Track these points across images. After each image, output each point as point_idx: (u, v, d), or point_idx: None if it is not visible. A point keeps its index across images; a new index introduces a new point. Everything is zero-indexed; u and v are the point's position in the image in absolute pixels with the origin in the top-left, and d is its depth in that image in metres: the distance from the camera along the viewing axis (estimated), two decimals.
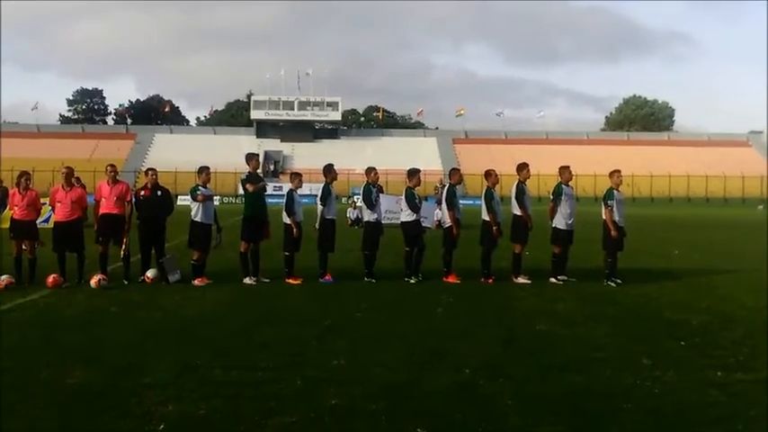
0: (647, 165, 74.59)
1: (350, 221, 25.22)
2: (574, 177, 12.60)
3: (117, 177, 11.62)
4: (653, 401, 5.32)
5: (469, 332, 7.83)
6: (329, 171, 11.96)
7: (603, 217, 11.57)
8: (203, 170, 11.70)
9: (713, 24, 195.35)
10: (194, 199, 11.30)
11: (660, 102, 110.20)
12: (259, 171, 12.66)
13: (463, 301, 9.85)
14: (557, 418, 4.92)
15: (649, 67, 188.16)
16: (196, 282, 11.10)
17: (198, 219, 11.29)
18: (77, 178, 13.79)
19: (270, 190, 15.29)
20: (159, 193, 11.68)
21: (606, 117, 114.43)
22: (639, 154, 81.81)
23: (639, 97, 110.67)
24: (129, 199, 11.52)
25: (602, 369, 6.21)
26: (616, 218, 11.45)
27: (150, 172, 11.92)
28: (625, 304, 9.70)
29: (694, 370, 6.17)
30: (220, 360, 6.42)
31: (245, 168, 11.81)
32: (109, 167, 11.68)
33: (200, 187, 11.42)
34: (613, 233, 11.34)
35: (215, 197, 12.46)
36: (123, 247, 11.31)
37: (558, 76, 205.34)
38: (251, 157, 11.94)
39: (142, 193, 11.64)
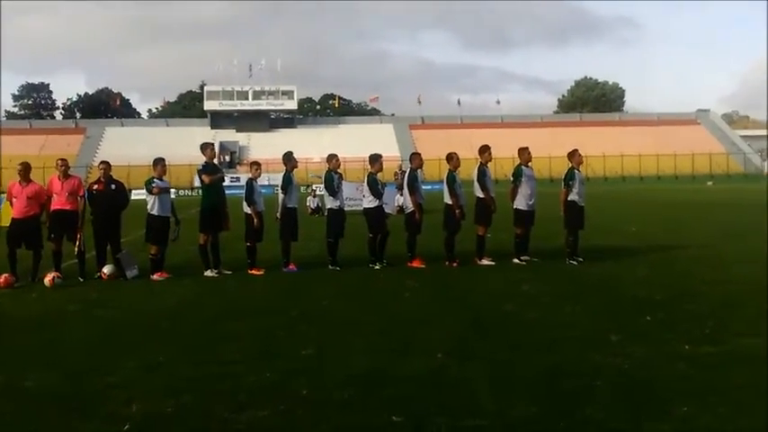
0: (599, 145, 75.71)
1: (310, 210, 25.00)
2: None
3: (68, 172, 11.26)
4: (624, 377, 5.34)
5: (437, 316, 7.80)
6: (289, 159, 11.78)
7: (564, 197, 11.67)
8: (158, 162, 11.40)
9: (656, 9, 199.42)
10: (150, 191, 10.99)
11: (610, 83, 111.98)
12: (215, 161, 12.36)
13: (429, 286, 9.82)
14: (531, 399, 4.89)
15: (599, 51, 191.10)
16: (155, 276, 10.84)
17: (154, 212, 10.99)
18: None
19: (227, 181, 14.99)
20: (113, 186, 11.38)
21: (559, 99, 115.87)
22: (592, 135, 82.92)
23: (590, 79, 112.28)
24: (81, 194, 11.18)
25: (572, 347, 6.22)
26: (576, 198, 11.58)
27: (102, 165, 11.59)
28: (588, 282, 9.80)
29: (662, 344, 6.22)
30: (186, 356, 6.25)
31: (201, 160, 11.55)
32: (60, 162, 11.32)
33: (155, 179, 11.12)
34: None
35: (171, 189, 12.17)
36: (77, 243, 10.97)
37: (512, 62, 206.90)
38: (206, 147, 11.67)
39: (95, 187, 11.33)
